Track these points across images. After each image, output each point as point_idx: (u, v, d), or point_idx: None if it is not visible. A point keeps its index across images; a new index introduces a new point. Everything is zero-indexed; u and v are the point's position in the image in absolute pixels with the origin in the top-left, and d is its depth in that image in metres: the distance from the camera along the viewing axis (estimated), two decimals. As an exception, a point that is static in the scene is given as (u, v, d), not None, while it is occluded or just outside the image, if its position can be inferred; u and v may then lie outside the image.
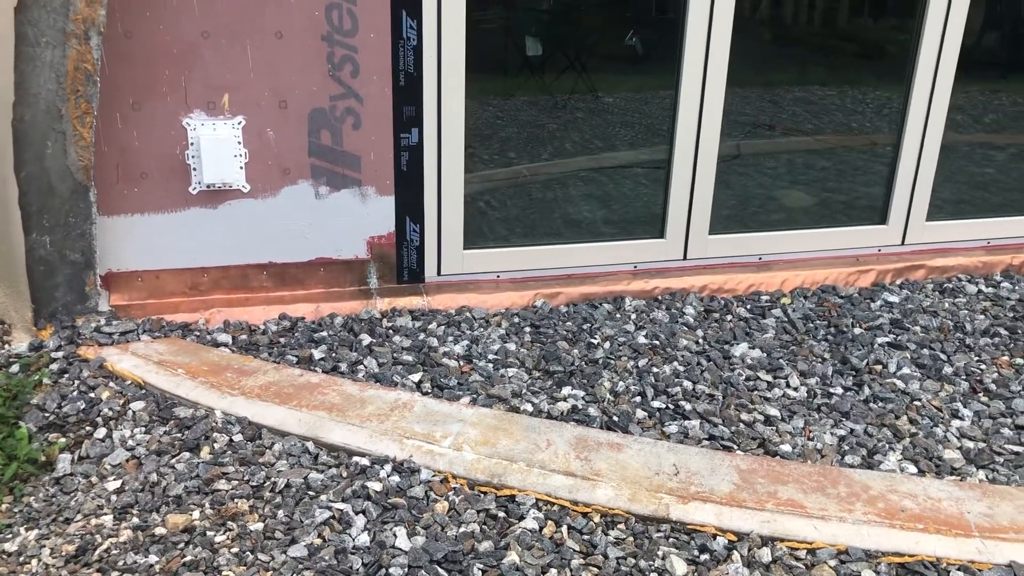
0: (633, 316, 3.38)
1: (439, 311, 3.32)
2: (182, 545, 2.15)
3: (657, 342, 3.18)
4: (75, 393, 2.70)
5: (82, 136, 2.83)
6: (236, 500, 2.29)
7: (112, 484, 2.35)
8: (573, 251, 3.57)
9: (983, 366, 3.14)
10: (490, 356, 3.03)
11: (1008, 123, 4.09)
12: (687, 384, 2.92)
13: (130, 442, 2.51)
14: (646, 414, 2.76)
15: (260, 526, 2.21)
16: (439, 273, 3.45)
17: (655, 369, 3.00)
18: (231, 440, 2.52)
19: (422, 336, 3.13)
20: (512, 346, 3.10)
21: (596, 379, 2.92)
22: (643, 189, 3.66)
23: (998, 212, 4.09)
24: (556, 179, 3.62)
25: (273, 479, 2.37)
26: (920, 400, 2.91)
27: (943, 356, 3.19)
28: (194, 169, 3.07)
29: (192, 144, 3.04)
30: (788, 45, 3.69)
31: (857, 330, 3.34)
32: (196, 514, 2.24)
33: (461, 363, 2.98)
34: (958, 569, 2.16)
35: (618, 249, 3.62)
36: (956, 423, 2.79)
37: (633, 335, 3.23)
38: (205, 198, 3.13)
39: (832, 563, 2.17)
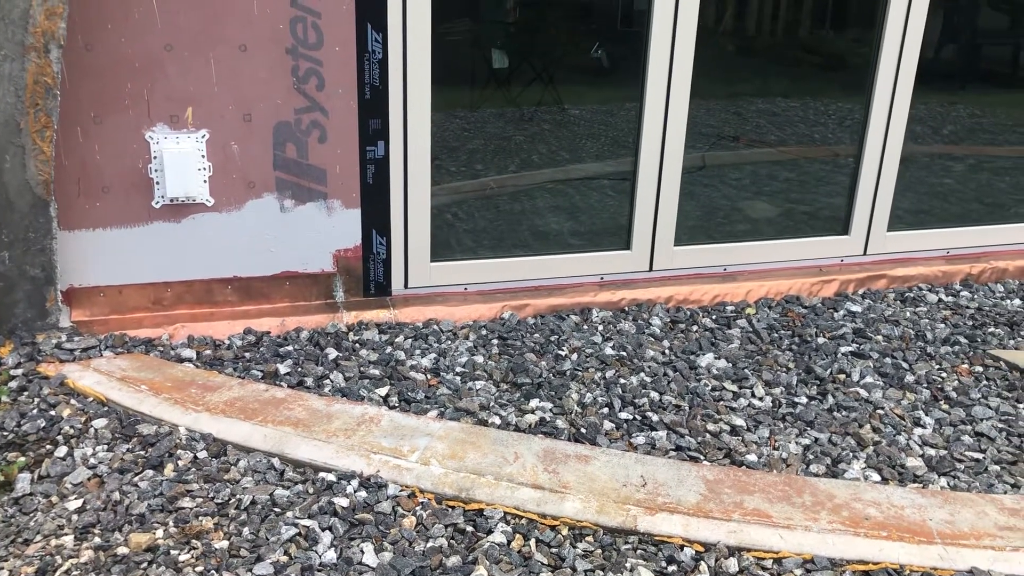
0: (600, 327, 3.39)
1: (406, 324, 3.31)
2: (145, 565, 2.12)
3: (624, 353, 3.19)
4: (35, 411, 2.66)
5: (42, 150, 2.79)
6: (200, 518, 2.27)
7: (73, 503, 2.31)
8: (540, 263, 3.58)
9: (944, 374, 3.19)
10: (457, 369, 3.02)
11: (966, 134, 4.17)
12: (654, 395, 2.93)
13: (92, 460, 2.47)
14: (613, 425, 2.76)
15: (225, 544, 2.18)
16: (406, 286, 3.45)
17: (622, 380, 3.01)
18: (195, 457, 2.49)
19: (389, 349, 3.12)
20: (480, 358, 3.10)
21: (564, 391, 2.93)
22: (609, 201, 3.68)
23: (957, 222, 4.17)
24: (523, 191, 3.63)
25: (238, 496, 2.34)
26: (883, 408, 2.94)
27: (905, 365, 3.24)
28: (157, 183, 3.04)
29: (155, 158, 3.01)
30: (751, 57, 3.74)
31: (821, 340, 3.38)
32: (160, 533, 2.21)
33: (428, 376, 2.98)
34: (921, 576, 2.19)
35: (585, 261, 3.63)
36: (918, 431, 2.83)
37: (600, 346, 3.24)
38: (168, 212, 3.10)
39: (798, 572, 2.18)
